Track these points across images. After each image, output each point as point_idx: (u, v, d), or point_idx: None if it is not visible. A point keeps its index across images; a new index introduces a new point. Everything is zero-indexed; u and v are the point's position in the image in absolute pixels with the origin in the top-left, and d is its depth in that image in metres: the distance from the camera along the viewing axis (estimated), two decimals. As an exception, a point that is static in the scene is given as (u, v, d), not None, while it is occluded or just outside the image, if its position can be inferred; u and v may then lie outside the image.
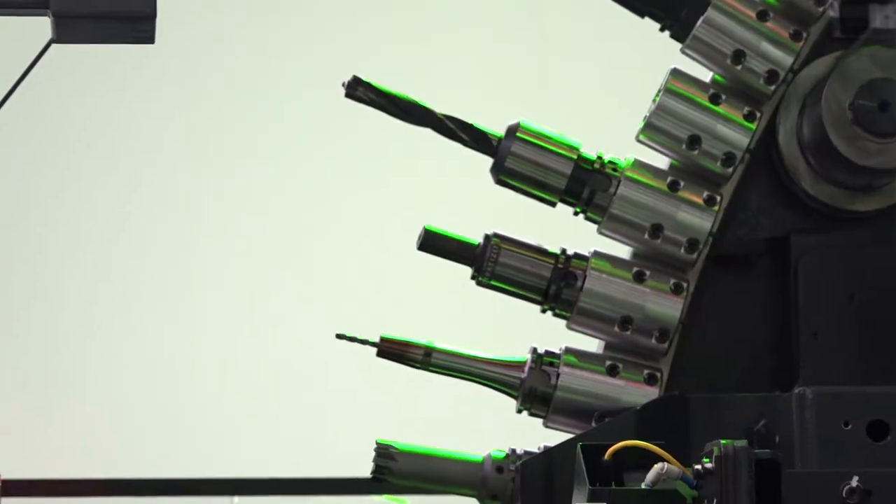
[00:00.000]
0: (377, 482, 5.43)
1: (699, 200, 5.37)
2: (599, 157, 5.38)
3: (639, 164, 5.39)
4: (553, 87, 6.50)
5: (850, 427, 4.94)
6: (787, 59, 5.36)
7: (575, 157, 5.36)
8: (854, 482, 4.83)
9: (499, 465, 5.36)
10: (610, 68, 5.75)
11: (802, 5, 5.36)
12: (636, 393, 5.34)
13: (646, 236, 5.36)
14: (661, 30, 5.47)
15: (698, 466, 4.81)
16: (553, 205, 5.42)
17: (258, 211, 9.16)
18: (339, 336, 5.40)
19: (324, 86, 5.55)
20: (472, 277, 5.42)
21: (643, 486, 4.87)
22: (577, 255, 5.38)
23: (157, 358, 9.17)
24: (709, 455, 4.79)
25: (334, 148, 6.51)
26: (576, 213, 5.42)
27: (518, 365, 5.39)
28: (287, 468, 6.94)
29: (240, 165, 9.15)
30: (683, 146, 5.36)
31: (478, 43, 8.46)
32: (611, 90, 5.67)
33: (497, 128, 5.39)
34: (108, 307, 9.22)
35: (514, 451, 5.38)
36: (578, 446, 5.01)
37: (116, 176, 9.28)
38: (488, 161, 5.41)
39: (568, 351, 5.39)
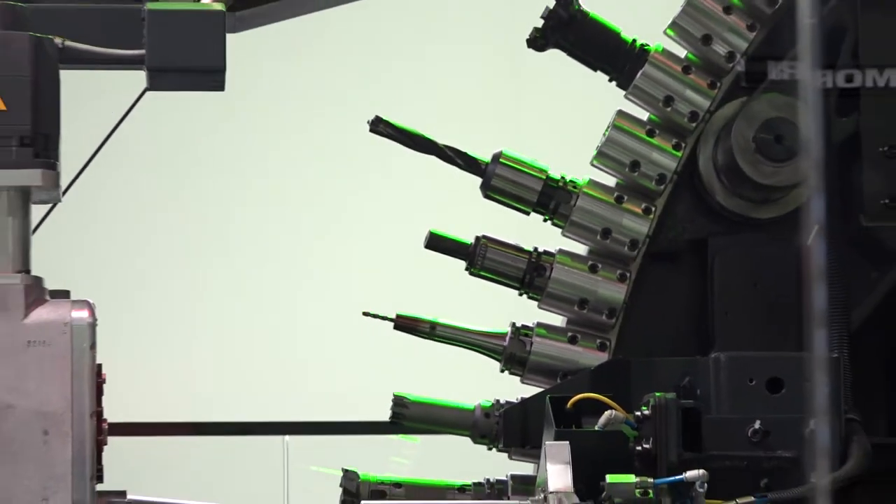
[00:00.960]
0: (394, 425, 5.47)
1: (639, 210, 5.38)
2: (563, 178, 5.40)
3: (593, 183, 5.41)
4: (525, 119, 6.49)
5: (753, 383, 4.98)
6: (705, 103, 5.37)
7: (544, 177, 5.38)
8: (756, 425, 4.91)
9: (486, 412, 5.40)
10: (571, 107, 5.77)
11: (717, 62, 5.37)
12: (591, 357, 5.36)
13: (598, 238, 5.38)
14: (610, 80, 5.45)
15: (638, 413, 4.88)
16: (528, 214, 5.45)
17: (317, 219, 9.13)
18: (365, 314, 5.42)
19: (353, 121, 5.56)
20: (466, 269, 5.44)
21: (596, 428, 4.93)
22: (546, 252, 5.41)
23: (235, 326, 9.19)
24: (646, 404, 4.89)
25: (370, 173, 6.50)
26: (545, 220, 5.44)
27: (501, 336, 5.42)
28: (325, 414, 6.90)
29: (309, 185, 9.11)
30: (627, 169, 5.38)
31: (464, 81, 8.42)
32: (572, 124, 5.70)
33: (484, 154, 5.40)
34: (205, 287, 9.22)
35: (498, 401, 5.42)
36: (547, 398, 5.09)
37: (220, 187, 9.26)
38: (478, 180, 5.42)
39: (539, 325, 5.42)
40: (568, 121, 5.64)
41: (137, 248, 8.88)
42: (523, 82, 6.32)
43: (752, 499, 4.70)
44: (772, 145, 5.27)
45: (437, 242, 5.46)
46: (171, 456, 6.38)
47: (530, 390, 5.40)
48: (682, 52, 5.42)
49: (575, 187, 5.40)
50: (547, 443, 4.87)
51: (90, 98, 4.80)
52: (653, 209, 5.40)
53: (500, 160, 5.40)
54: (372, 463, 5.46)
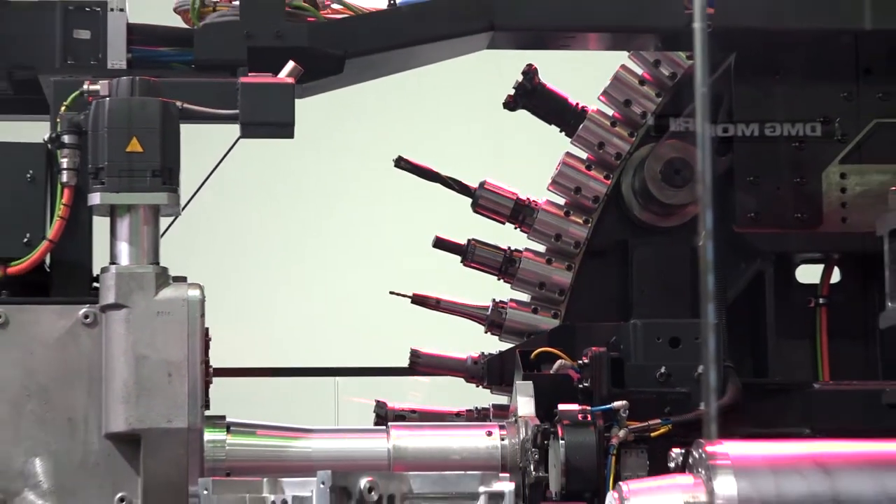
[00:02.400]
0: (411, 369, 5.49)
1: (580, 221, 5.38)
2: (528, 198, 5.41)
3: (549, 202, 5.40)
4: (503, 158, 6.41)
5: (660, 340, 4.92)
6: (626, 147, 5.36)
7: (514, 198, 5.39)
8: (662, 370, 4.88)
9: (475, 361, 5.42)
10: (534, 150, 5.72)
11: (634, 118, 5.36)
12: (548, 323, 5.36)
13: (552, 240, 5.38)
14: (560, 131, 5.45)
15: (580, 362, 4.86)
16: (503, 223, 5.45)
17: (360, 228, 9.02)
18: (391, 293, 5.45)
19: (384, 160, 5.56)
20: (461, 262, 5.45)
21: (551, 372, 4.96)
22: (516, 250, 5.41)
23: (300, 301, 9.12)
24: (586, 356, 4.85)
25: (398, 197, 6.40)
26: (515, 228, 5.44)
27: (485, 307, 5.43)
28: (363, 361, 6.81)
29: (359, 202, 9.06)
30: (572, 192, 5.36)
31: (462, 130, 8.35)
32: (535, 161, 5.66)
33: (474, 181, 5.41)
34: (277, 272, 9.14)
35: (482, 353, 5.43)
36: (517, 351, 5.12)
37: (289, 203, 9.22)
38: (469, 200, 5.44)
39: (511, 300, 5.43)
40: (532, 159, 5.61)
41: (231, 245, 8.90)
42: (503, 133, 6.27)
43: (658, 421, 4.67)
44: (673, 176, 5.28)
45: (441, 243, 5.48)
46: (252, 392, 6.35)
47: (505, 346, 5.40)
48: (610, 111, 5.41)
49: (536, 205, 5.40)
50: (517, 382, 4.88)
51: (201, 142, 4.78)
52: (590, 220, 5.39)
53: (484, 186, 5.41)
54: (395, 396, 5.45)
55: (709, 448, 4.07)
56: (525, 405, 4.76)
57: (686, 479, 4.13)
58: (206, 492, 4.05)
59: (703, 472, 4.08)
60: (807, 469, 4.03)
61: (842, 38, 5.28)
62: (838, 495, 3.99)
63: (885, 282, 4.33)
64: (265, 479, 4.10)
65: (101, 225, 4.59)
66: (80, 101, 4.56)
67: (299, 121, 4.70)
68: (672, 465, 4.26)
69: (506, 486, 4.09)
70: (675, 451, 4.26)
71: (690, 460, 4.18)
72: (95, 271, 4.61)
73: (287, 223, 9.40)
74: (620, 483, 4.19)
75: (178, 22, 5.12)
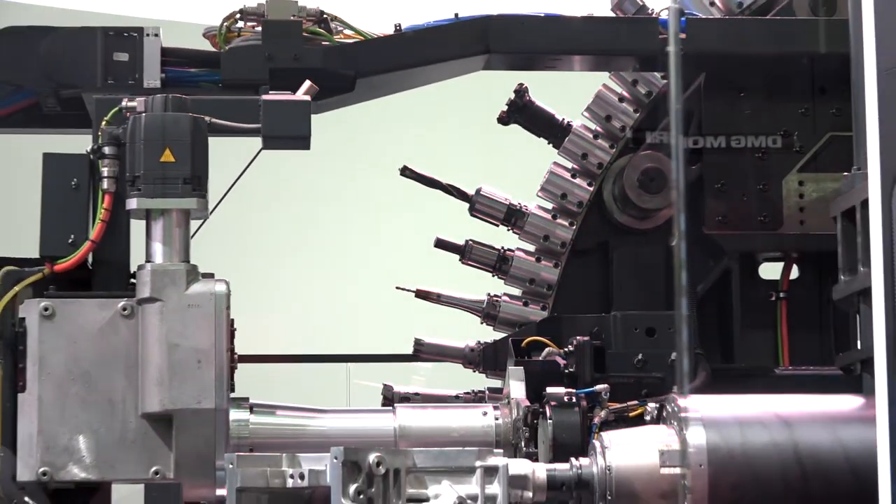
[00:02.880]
0: (415, 356, 5.48)
1: (566, 224, 5.34)
2: (519, 203, 5.37)
3: (537, 206, 5.37)
4: (498, 169, 6.41)
5: (637, 331, 4.93)
6: (607, 157, 5.33)
7: (507, 203, 5.36)
8: (639, 356, 4.88)
9: (472, 348, 5.38)
10: (525, 158, 5.71)
11: (614, 132, 5.32)
12: (537, 314, 5.31)
13: (541, 240, 5.34)
14: (548, 143, 5.42)
15: (566, 349, 4.88)
16: (497, 226, 5.42)
17: (371, 230, 9.10)
18: (398, 288, 5.43)
19: (390, 169, 5.55)
20: (460, 260, 5.43)
21: (540, 359, 4.93)
22: (509, 249, 5.38)
23: (315, 296, 9.16)
24: (571, 344, 4.86)
25: (405, 201, 6.39)
26: (508, 230, 5.41)
27: (481, 301, 5.39)
28: (372, 349, 6.79)
29: (367, 206, 9.12)
30: (558, 198, 5.34)
31: (461, 144, 8.43)
32: (526, 170, 5.65)
33: (471, 188, 5.38)
34: (293, 269, 9.18)
35: (479, 341, 5.39)
36: (510, 340, 5.11)
37: (304, 204, 9.25)
38: (466, 205, 5.41)
39: (504, 294, 5.39)
40: (523, 168, 5.58)
41: (254, 246, 8.91)
42: (497, 145, 6.26)
43: (636, 402, 4.64)
44: (649, 183, 5.26)
45: (441, 244, 5.45)
46: (273, 377, 6.34)
47: (499, 335, 5.38)
48: (592, 126, 5.38)
49: (526, 210, 5.38)
50: (510, 368, 4.88)
51: (226, 154, 4.78)
52: (575, 223, 5.36)
53: (480, 193, 5.39)
54: (401, 380, 5.43)
55: (681, 402, 4.08)
56: (517, 388, 4.76)
57: (660, 430, 4.15)
58: (231, 466, 4.07)
59: (675, 423, 4.10)
60: (769, 421, 4.05)
61: (799, 60, 5.29)
62: (797, 443, 4.00)
63: (839, 257, 4.30)
64: (284, 455, 4.12)
65: (137, 227, 4.61)
66: (119, 116, 4.58)
67: (315, 134, 4.70)
68: (647, 417, 4.28)
69: (499, 460, 4.10)
70: (651, 405, 4.28)
71: (664, 413, 4.20)
72: (132, 268, 4.62)
73: (305, 228, 9.43)
74: (602, 433, 4.21)
75: (206, 45, 5.13)
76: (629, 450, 4.07)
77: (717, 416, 4.05)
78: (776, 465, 3.96)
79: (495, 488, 4.03)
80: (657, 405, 4.22)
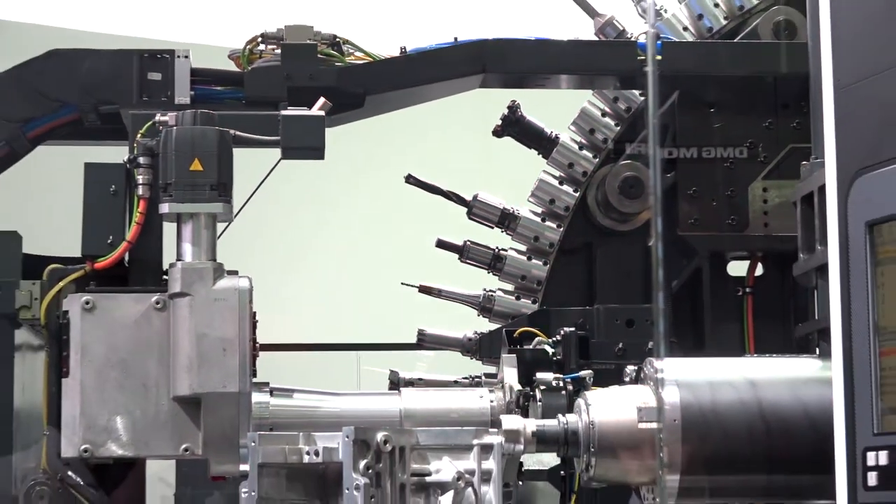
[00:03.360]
0: (419, 345, 5.49)
1: (554, 226, 5.34)
2: (512, 208, 5.36)
3: (528, 210, 5.37)
4: (494, 175, 6.39)
5: (618, 322, 4.97)
6: (591, 166, 5.33)
7: (501, 208, 5.35)
8: (620, 345, 4.93)
9: (469, 338, 5.39)
10: (518, 168, 5.71)
11: (597, 144, 5.32)
12: (528, 307, 5.31)
13: (531, 241, 5.34)
14: (538, 154, 5.41)
15: (554, 339, 4.85)
16: (492, 228, 5.41)
17: (377, 230, 9.14)
18: (403, 283, 5.44)
19: (396, 177, 5.55)
20: (459, 259, 5.43)
21: (531, 347, 4.89)
22: (502, 249, 5.38)
23: (329, 290, 9.16)
24: (559, 334, 4.84)
25: (411, 207, 6.36)
26: (502, 231, 5.41)
27: (478, 296, 5.39)
28: (380, 338, 6.78)
29: (376, 209, 9.14)
30: (548, 203, 5.34)
31: (461, 153, 8.42)
32: (519, 178, 5.65)
33: (468, 194, 5.39)
34: (308, 268, 9.21)
35: (476, 332, 5.40)
36: (503, 330, 5.09)
37: (317, 207, 9.24)
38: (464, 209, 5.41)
39: (499, 289, 5.39)
40: (515, 176, 5.58)
41: (276, 246, 8.91)
42: (492, 156, 6.25)
43: (617, 386, 4.61)
44: (628, 190, 5.25)
45: (442, 244, 5.45)
46: (291, 363, 6.33)
47: (494, 326, 5.38)
48: (577, 138, 5.38)
49: (518, 214, 5.37)
50: (503, 355, 4.86)
51: (249, 163, 4.77)
52: (562, 225, 5.36)
53: (477, 198, 5.39)
54: (406, 366, 5.43)
55: (657, 364, 4.08)
56: (510, 374, 4.74)
57: (639, 389, 4.14)
58: (253, 443, 4.05)
59: (652, 383, 4.09)
60: (737, 381, 4.06)
61: (764, 79, 5.28)
62: (761, 401, 4.01)
63: (798, 238, 4.30)
64: (301, 434, 4.10)
65: (169, 229, 4.60)
66: (152, 129, 4.57)
67: (328, 145, 4.69)
68: (627, 379, 4.26)
69: (494, 438, 4.09)
70: (629, 367, 4.27)
71: (642, 375, 4.19)
72: (165, 266, 4.62)
73: (319, 230, 9.46)
74: (586, 392, 4.20)
75: (231, 66, 5.13)
76: (610, 407, 4.08)
77: (690, 377, 4.06)
78: (742, 420, 3.98)
79: (490, 464, 4.03)
80: (636, 368, 4.22)
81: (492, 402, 4.70)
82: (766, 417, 3.99)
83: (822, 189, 3.97)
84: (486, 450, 4.05)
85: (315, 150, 4.68)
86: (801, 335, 4.52)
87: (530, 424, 4.15)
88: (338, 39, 5.10)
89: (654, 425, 4.00)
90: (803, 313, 5.02)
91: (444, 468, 4.02)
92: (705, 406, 3.99)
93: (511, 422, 4.13)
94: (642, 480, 4.10)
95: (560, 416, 4.16)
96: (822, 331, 4.15)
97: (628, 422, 4.04)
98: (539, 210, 5.40)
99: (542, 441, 4.12)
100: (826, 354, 4.02)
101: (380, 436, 3.94)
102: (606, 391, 4.18)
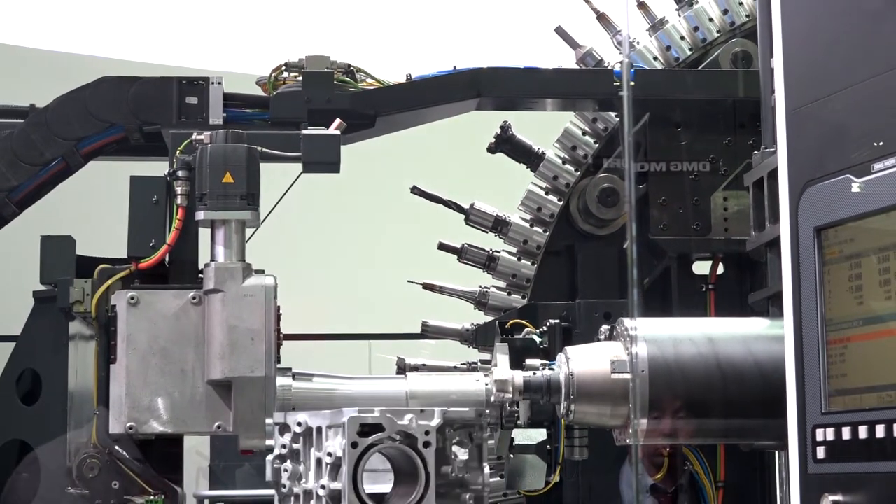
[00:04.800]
0: (422, 335, 5.49)
1: (541, 231, 5.33)
2: (504, 215, 5.35)
3: (519, 218, 5.37)
4: (487, 185, 6.38)
5: (597, 315, 4.89)
6: (573, 179, 5.31)
7: (495, 215, 5.35)
8: (600, 335, 4.91)
9: (467, 329, 5.38)
10: (511, 180, 5.70)
11: (578, 159, 5.31)
12: (519, 302, 5.31)
13: (521, 244, 5.33)
14: (527, 168, 5.40)
15: (541, 329, 4.85)
16: (487, 232, 5.40)
17: (386, 233, 9.13)
18: (409, 281, 5.43)
19: (401, 188, 5.54)
20: (457, 259, 5.42)
21: (520, 337, 4.89)
22: (496, 251, 5.37)
23: (345, 287, 9.12)
24: (545, 325, 4.83)
25: (415, 215, 6.35)
26: (496, 236, 5.39)
27: (474, 292, 5.38)
28: (390, 329, 6.78)
29: (388, 216, 9.07)
30: (535, 210, 5.33)
31: (452, 165, 8.44)
32: (508, 188, 5.63)
33: (466, 202, 5.37)
34: (324, 268, 9.15)
35: (472, 323, 5.39)
36: (497, 322, 5.09)
37: (328, 213, 9.21)
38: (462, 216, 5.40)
39: (493, 286, 5.39)
40: (507, 187, 5.57)
41: (299, 250, 8.90)
42: (486, 169, 6.19)
43: (594, 343, 4.59)
44: (606, 199, 5.24)
45: (443, 246, 5.43)
46: (311, 351, 6.33)
47: (488, 319, 5.37)
48: (561, 154, 5.36)
49: (510, 219, 5.36)
50: (497, 344, 4.81)
51: (274, 176, 4.76)
52: (548, 230, 5.34)
53: (473, 207, 5.38)
54: (411, 354, 5.41)
55: (627, 323, 4.11)
56: (502, 360, 4.66)
57: (612, 345, 4.16)
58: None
59: (623, 340, 4.12)
60: (697, 338, 4.09)
61: (724, 102, 5.26)
62: (718, 354, 4.04)
63: (750, 218, 4.29)
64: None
65: (204, 234, 4.59)
66: (190, 147, 4.55)
67: (343, 160, 4.69)
68: (601, 336, 4.26)
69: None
70: (604, 326, 4.27)
71: (615, 333, 4.20)
72: (200, 266, 4.60)
73: (337, 236, 9.47)
74: (566, 347, 4.20)
75: (258, 91, 5.11)
76: (587, 359, 4.10)
77: (656, 334, 4.09)
78: (702, 371, 4.00)
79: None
80: (609, 327, 4.23)
81: (486, 384, 4.67)
82: (722, 368, 4.01)
83: (771, 174, 3.99)
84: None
85: (332, 165, 4.66)
86: (755, 301, 4.49)
87: (518, 375, 4.17)
88: (352, 68, 5.09)
89: (625, 376, 4.02)
90: (759, 305, 5.00)
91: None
92: (669, 359, 4.01)
93: (501, 373, 4.15)
94: (615, 424, 4.13)
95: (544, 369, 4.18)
96: (773, 296, 4.17)
97: (603, 372, 4.06)
98: (528, 217, 5.38)
99: (527, 389, 4.15)
100: (775, 316, 4.07)
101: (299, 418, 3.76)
102: (584, 346, 4.19)
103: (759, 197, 4.25)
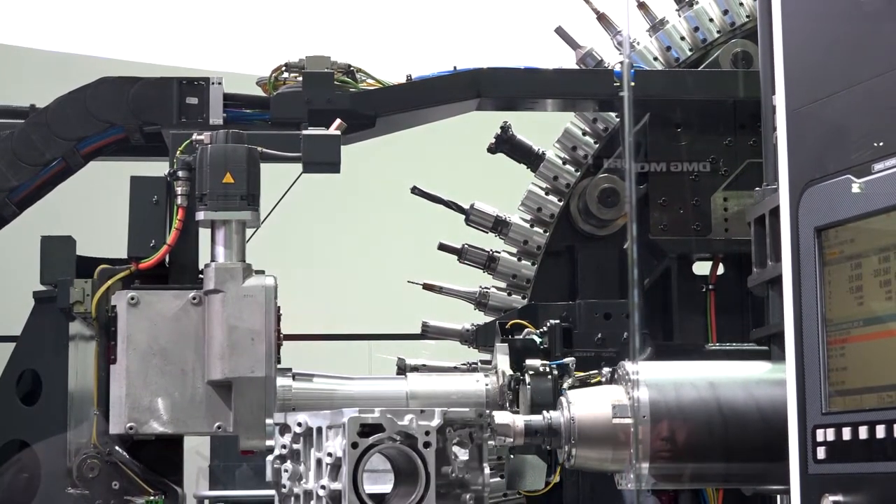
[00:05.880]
0: (422, 335, 5.49)
1: (541, 231, 5.33)
2: (504, 215, 5.35)
3: (519, 218, 5.37)
4: (487, 185, 6.38)
5: (597, 315, 4.90)
6: (573, 179, 5.32)
7: (495, 215, 5.34)
8: (599, 335, 4.90)
9: (467, 329, 5.38)
10: (512, 180, 5.70)
11: (578, 159, 5.31)
12: (519, 302, 5.31)
13: (521, 244, 5.33)
14: (527, 168, 5.41)
15: (541, 330, 4.84)
16: (487, 233, 5.40)
17: (388, 234, 9.11)
18: (409, 281, 5.42)
19: (404, 189, 5.54)
20: (458, 260, 5.42)
21: (520, 337, 4.87)
22: (496, 251, 5.38)
23: (345, 288, 9.11)
24: (545, 325, 4.81)
25: (416, 216, 6.36)
26: (496, 236, 5.39)
27: (474, 292, 5.38)
28: (389, 329, 6.78)
29: (389, 215, 9.06)
30: (535, 210, 5.33)
31: (452, 166, 8.45)
32: (508, 188, 5.63)
33: (466, 203, 5.38)
34: (346, 262, 9.10)
35: (472, 324, 5.39)
36: (497, 322, 5.07)
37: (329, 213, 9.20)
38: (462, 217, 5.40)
39: (493, 286, 5.39)
40: (507, 188, 5.57)
41: (296, 248, 8.88)
42: (487, 170, 6.21)
43: (596, 371, 4.56)
44: (606, 200, 5.24)
45: (443, 247, 5.43)
46: (311, 351, 6.33)
47: (488, 319, 5.37)
48: (562, 154, 5.37)
49: (510, 220, 5.36)
50: (497, 344, 4.85)
51: (274, 176, 4.76)
52: (548, 230, 5.34)
53: (474, 207, 5.38)
54: (411, 354, 5.39)
55: (629, 367, 4.11)
56: (503, 361, 4.73)
57: (613, 389, 4.16)
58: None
59: (625, 384, 4.11)
60: (698, 382, 4.08)
61: (724, 102, 5.27)
62: (719, 399, 4.03)
63: (752, 254, 4.29)
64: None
65: (204, 234, 4.59)
66: (190, 147, 4.56)
67: (344, 160, 4.68)
68: (603, 379, 4.27)
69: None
70: (605, 369, 4.27)
71: (616, 376, 4.20)
72: (201, 266, 4.60)
73: (337, 236, 9.46)
74: (567, 391, 4.20)
75: (258, 92, 5.12)
76: (588, 404, 4.09)
77: (657, 378, 4.08)
78: (703, 416, 4.00)
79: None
80: (611, 370, 4.22)
81: (487, 385, 4.69)
82: (724, 413, 4.01)
83: (773, 211, 3.97)
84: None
85: (332, 165, 4.66)
86: (756, 339, 4.50)
87: (519, 420, 4.15)
88: (352, 68, 5.09)
89: (626, 420, 4.02)
90: (759, 306, 4.97)
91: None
92: (671, 403, 4.02)
93: (502, 417, 4.13)
94: (616, 468, 4.12)
95: (545, 412, 4.16)
96: (774, 335, 4.16)
97: (604, 417, 4.06)
98: (528, 217, 5.38)
99: (528, 434, 4.13)
100: (777, 357, 4.06)
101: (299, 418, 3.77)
102: (585, 391, 4.18)
103: (760, 234, 4.24)
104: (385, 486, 3.58)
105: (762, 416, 3.98)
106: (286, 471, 3.66)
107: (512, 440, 4.13)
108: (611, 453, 4.05)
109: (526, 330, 4.94)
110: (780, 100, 3.46)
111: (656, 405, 4.01)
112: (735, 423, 4.00)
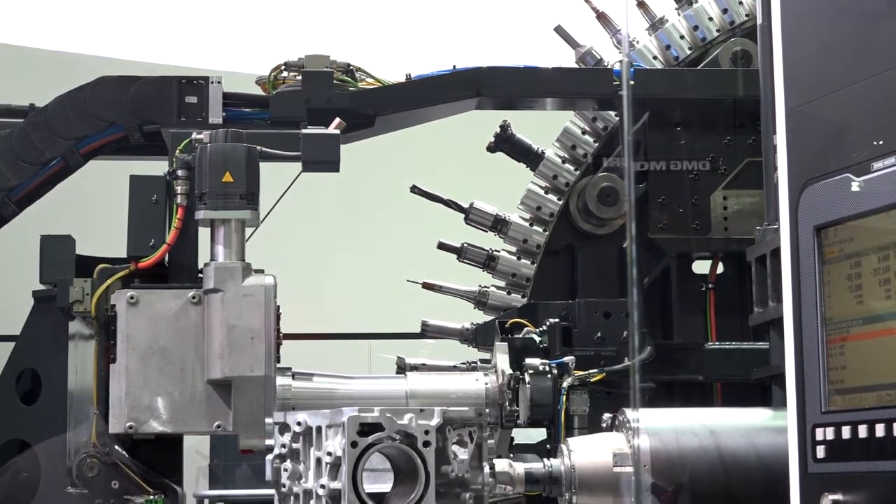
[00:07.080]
0: (422, 334, 5.51)
1: (540, 230, 5.33)
2: (504, 214, 5.35)
3: (517, 216, 5.37)
4: (486, 184, 6.40)
5: (597, 314, 4.91)
6: (572, 178, 5.32)
7: (494, 214, 5.35)
8: (598, 334, 4.85)
9: (467, 328, 5.39)
10: (510, 180, 5.71)
11: (578, 158, 5.32)
12: (518, 301, 5.31)
13: (520, 243, 5.34)
14: (526, 167, 5.41)
15: (541, 329, 4.84)
16: (487, 232, 5.41)
17: (387, 233, 9.10)
18: (408, 280, 5.41)
19: (403, 187, 5.55)
20: (457, 259, 5.42)
21: (520, 337, 4.90)
22: (495, 250, 5.38)
23: (346, 286, 9.10)
24: (545, 324, 4.81)
25: (416, 214, 6.35)
26: (495, 235, 5.40)
27: (474, 291, 5.38)
28: (388, 329, 6.77)
29: (388, 215, 9.08)
30: (535, 209, 5.33)
31: (452, 165, 8.42)
32: (508, 187, 5.63)
33: (466, 202, 5.38)
34: (346, 261, 9.12)
35: (472, 323, 5.40)
36: (496, 321, 5.09)
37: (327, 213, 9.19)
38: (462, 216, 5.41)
39: (492, 285, 5.39)
40: (506, 187, 5.57)
41: (296, 247, 8.87)
42: (486, 169, 6.18)
43: (596, 370, 4.64)
44: (605, 198, 5.24)
45: (443, 246, 5.43)
46: (310, 350, 6.31)
47: (488, 318, 5.37)
48: (561, 153, 5.37)
49: (510, 219, 5.36)
50: (497, 343, 4.85)
51: (273, 175, 4.76)
52: (547, 229, 5.34)
53: (473, 206, 5.38)
54: (411, 353, 5.39)
55: (629, 414, 4.09)
56: (502, 360, 4.73)
57: (613, 436, 4.14)
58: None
59: (625, 431, 4.09)
60: (699, 430, 4.07)
61: (724, 101, 5.27)
62: (720, 447, 4.02)
63: (753, 294, 4.28)
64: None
65: (203, 233, 4.58)
66: (189, 146, 4.55)
67: (343, 159, 4.68)
68: (604, 425, 4.23)
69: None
70: (606, 415, 4.24)
71: (616, 423, 4.18)
72: (200, 266, 4.60)
73: (337, 235, 9.45)
74: (567, 439, 4.18)
75: (258, 91, 5.11)
76: (588, 452, 4.07)
77: (658, 426, 4.07)
78: (704, 465, 3.99)
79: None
80: (611, 416, 4.20)
81: (486, 384, 4.68)
82: (725, 461, 4.00)
83: (774, 252, 3.96)
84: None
85: (331, 164, 4.66)
86: (757, 377, 4.44)
87: (519, 467, 4.13)
88: (351, 67, 5.08)
89: (627, 469, 4.01)
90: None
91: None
92: (671, 452, 4.00)
93: (502, 465, 4.11)
94: None
95: (545, 460, 4.15)
96: (775, 377, 4.13)
97: (605, 465, 4.04)
98: (527, 216, 5.38)
99: (529, 481, 4.11)
100: (777, 400, 4.05)
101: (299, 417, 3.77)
102: (586, 438, 4.18)
103: (761, 273, 4.23)
104: (385, 486, 3.58)
105: (763, 465, 3.96)
106: (286, 470, 3.66)
107: (513, 488, 4.11)
108: (611, 501, 4.03)
109: (525, 329, 4.94)
110: (779, 99, 3.46)
111: (657, 453, 3.99)
112: (736, 472, 3.98)
